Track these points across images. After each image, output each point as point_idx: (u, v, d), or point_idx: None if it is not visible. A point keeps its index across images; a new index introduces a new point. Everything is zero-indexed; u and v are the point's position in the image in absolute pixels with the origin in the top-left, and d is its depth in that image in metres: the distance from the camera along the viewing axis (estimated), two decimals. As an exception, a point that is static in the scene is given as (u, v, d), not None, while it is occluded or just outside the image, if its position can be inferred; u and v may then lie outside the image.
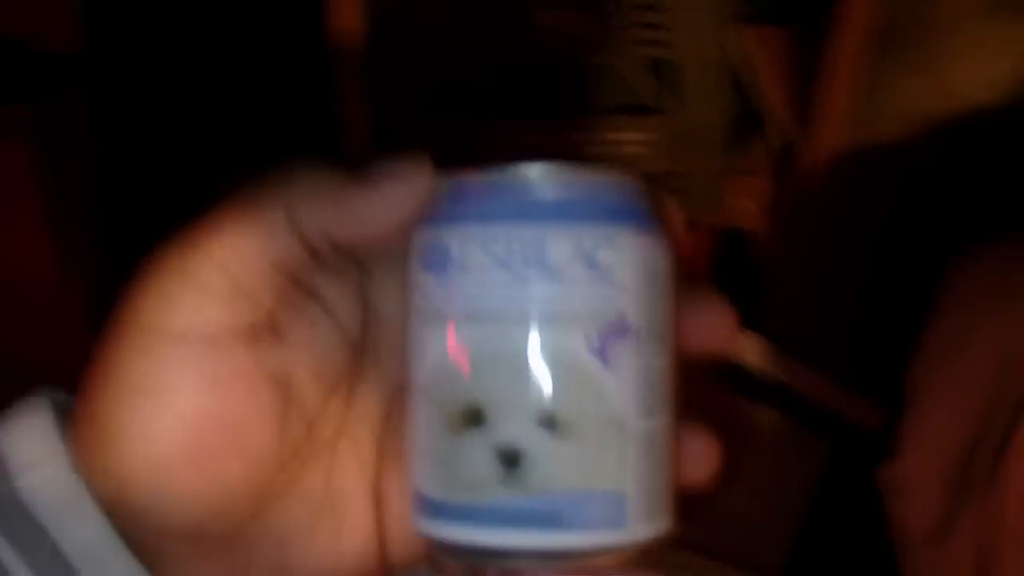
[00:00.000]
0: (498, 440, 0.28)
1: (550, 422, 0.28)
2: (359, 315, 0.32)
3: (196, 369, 0.29)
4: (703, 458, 0.31)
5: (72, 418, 0.30)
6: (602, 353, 0.28)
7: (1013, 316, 0.55)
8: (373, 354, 0.33)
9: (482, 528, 0.28)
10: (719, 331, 0.31)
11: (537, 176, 0.29)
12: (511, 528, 0.28)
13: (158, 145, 1.07)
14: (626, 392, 0.28)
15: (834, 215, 0.89)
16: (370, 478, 0.33)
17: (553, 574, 0.30)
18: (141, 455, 0.29)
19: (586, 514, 0.28)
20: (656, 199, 0.31)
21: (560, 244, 0.28)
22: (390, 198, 0.29)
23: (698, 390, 0.31)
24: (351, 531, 0.32)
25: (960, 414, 0.56)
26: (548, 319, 0.28)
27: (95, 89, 1.05)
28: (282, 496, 0.31)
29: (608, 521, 0.28)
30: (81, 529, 0.29)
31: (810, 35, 0.88)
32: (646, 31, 0.90)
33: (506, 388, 0.28)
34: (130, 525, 0.29)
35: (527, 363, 0.28)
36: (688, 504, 0.31)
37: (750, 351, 0.95)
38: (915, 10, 0.80)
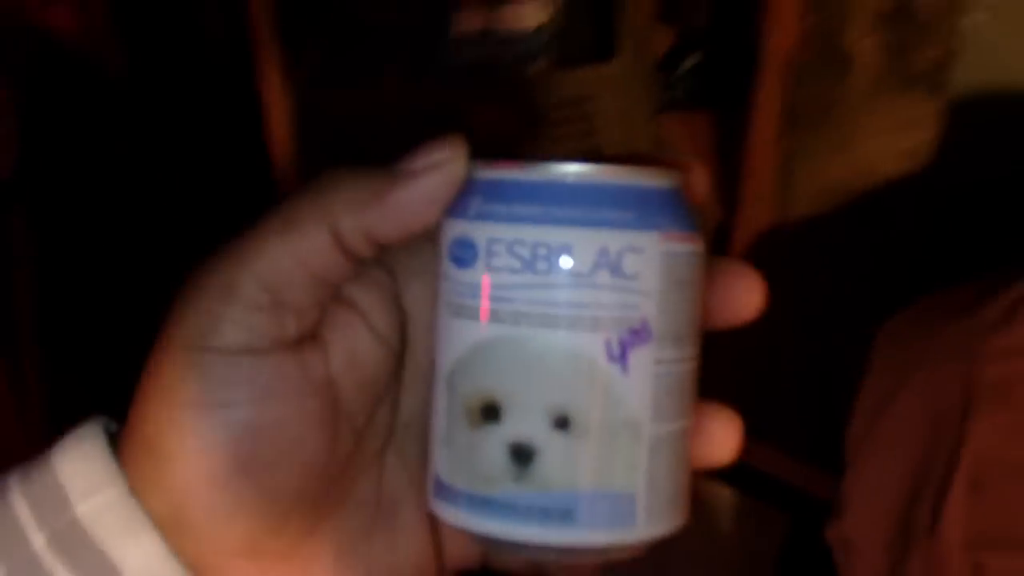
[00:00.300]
0: (512, 437, 0.28)
1: (563, 423, 0.28)
2: (397, 324, 0.32)
3: (246, 382, 0.29)
4: (725, 440, 0.31)
5: (121, 444, 0.30)
6: (621, 359, 0.28)
7: (936, 375, 0.58)
8: (412, 362, 0.33)
9: (494, 519, 0.29)
10: (748, 302, 0.31)
11: (567, 177, 0.28)
12: (521, 522, 0.28)
13: (98, 262, 1.08)
14: (642, 397, 0.28)
15: (768, 289, 0.92)
16: (420, 486, 0.33)
17: (565, 566, 0.30)
18: (198, 471, 0.29)
19: (595, 513, 0.28)
20: (692, 193, 0.31)
21: (586, 250, 0.28)
22: (432, 189, 0.29)
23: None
24: (406, 541, 0.32)
25: (895, 470, 0.58)
26: (569, 324, 0.28)
27: (33, 208, 1.07)
28: (335, 509, 0.31)
29: (618, 521, 0.29)
30: (140, 552, 0.29)
31: (731, 118, 0.92)
32: (578, 124, 0.94)
33: (523, 387, 0.28)
34: (188, 545, 0.29)
35: (545, 365, 0.28)
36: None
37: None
38: (830, 91, 0.84)
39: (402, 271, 0.32)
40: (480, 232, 0.29)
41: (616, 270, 0.28)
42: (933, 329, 0.60)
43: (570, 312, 0.28)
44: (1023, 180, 0.82)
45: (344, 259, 0.30)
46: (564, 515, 0.28)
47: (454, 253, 0.29)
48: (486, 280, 0.28)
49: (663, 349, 0.29)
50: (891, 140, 0.84)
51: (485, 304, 0.29)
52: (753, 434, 0.98)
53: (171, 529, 0.29)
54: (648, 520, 0.29)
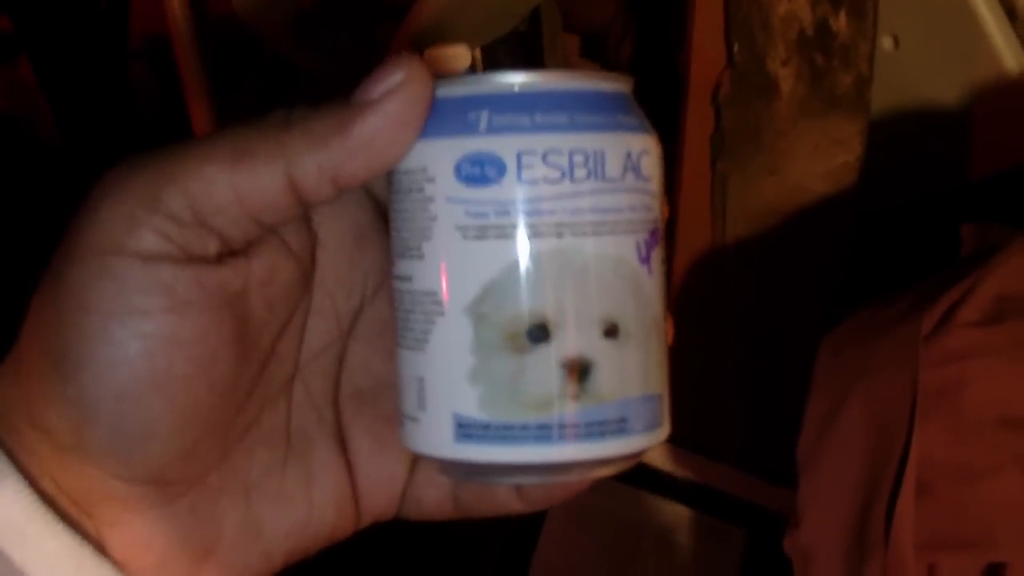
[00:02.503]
0: (566, 353, 0.27)
1: (613, 331, 0.28)
2: (308, 245, 0.30)
3: (164, 290, 0.27)
4: None
5: (10, 363, 0.28)
6: (647, 260, 0.28)
7: (877, 384, 0.60)
8: (320, 291, 0.31)
9: (551, 445, 0.27)
10: None
11: (580, 84, 0.28)
12: (583, 441, 0.28)
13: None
14: (660, 295, 0.29)
15: (708, 310, 0.94)
16: (331, 422, 0.31)
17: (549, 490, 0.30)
18: (108, 384, 0.26)
19: (644, 418, 0.28)
20: None
21: (615, 154, 0.28)
22: (400, 113, 0.27)
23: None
24: (320, 479, 0.31)
25: (847, 479, 0.59)
26: (611, 229, 0.28)
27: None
28: (243, 439, 0.29)
29: (654, 423, 0.29)
30: (3, 501, 0.26)
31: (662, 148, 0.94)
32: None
33: (574, 301, 0.27)
34: (87, 468, 0.27)
35: (593, 275, 0.27)
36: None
37: (652, 452, 0.98)
38: (758, 116, 0.86)
39: None
40: (504, 144, 0.27)
41: (638, 173, 0.28)
42: (873, 339, 0.62)
43: (609, 217, 0.28)
44: (941, 194, 0.85)
45: (295, 203, 0.28)
46: (619, 425, 0.28)
47: (465, 171, 0.28)
48: (520, 194, 0.27)
49: (664, 249, 0.30)
50: (818, 160, 0.87)
51: (520, 219, 0.27)
52: (706, 453, 0.99)
53: (68, 449, 0.27)
54: (666, 419, 0.30)
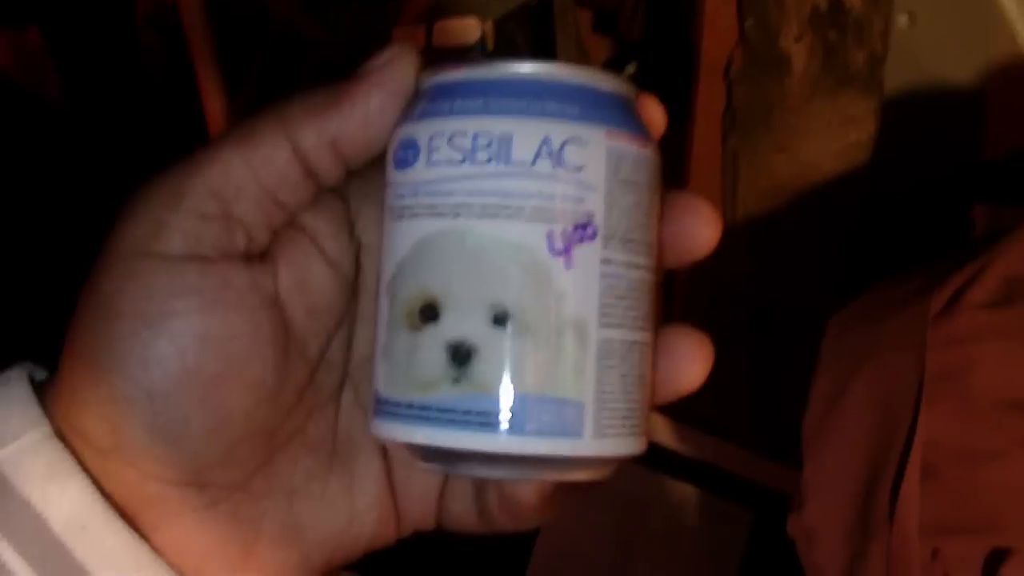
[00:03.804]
0: (450, 335, 0.27)
1: (503, 319, 0.27)
2: (349, 251, 0.31)
3: (192, 290, 0.27)
4: (693, 362, 0.30)
5: (59, 372, 0.28)
6: (565, 253, 0.27)
7: (885, 364, 0.59)
8: (367, 295, 0.31)
9: (430, 427, 0.27)
10: (701, 235, 0.30)
11: (511, 72, 0.28)
12: (459, 428, 0.27)
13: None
14: (588, 297, 0.27)
15: (717, 289, 0.93)
16: None
17: (508, 495, 0.29)
18: (139, 384, 0.27)
19: (537, 418, 0.27)
20: (645, 106, 0.30)
21: (526, 139, 0.27)
22: (390, 82, 0.28)
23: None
24: (363, 485, 0.31)
25: (852, 461, 0.59)
26: (510, 214, 0.27)
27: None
28: (289, 445, 0.29)
29: (561, 429, 0.27)
30: (66, 498, 0.27)
31: (672, 125, 0.93)
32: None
33: (461, 281, 0.27)
34: (128, 473, 0.27)
35: (484, 257, 0.27)
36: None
37: (659, 430, 0.98)
38: (769, 93, 0.85)
39: (356, 198, 0.31)
40: (422, 130, 0.28)
41: (559, 160, 0.27)
42: (880, 319, 0.61)
43: (510, 202, 0.27)
44: (954, 174, 0.84)
45: (303, 178, 0.28)
46: (504, 419, 0.26)
47: (397, 156, 0.29)
48: (425, 176, 0.28)
49: (611, 249, 0.27)
50: (831, 138, 0.86)
51: (425, 200, 0.28)
52: (713, 432, 0.99)
53: (109, 452, 0.27)
54: (597, 434, 0.27)
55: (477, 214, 0.27)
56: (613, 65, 1.06)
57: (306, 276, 0.30)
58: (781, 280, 0.92)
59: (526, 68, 0.28)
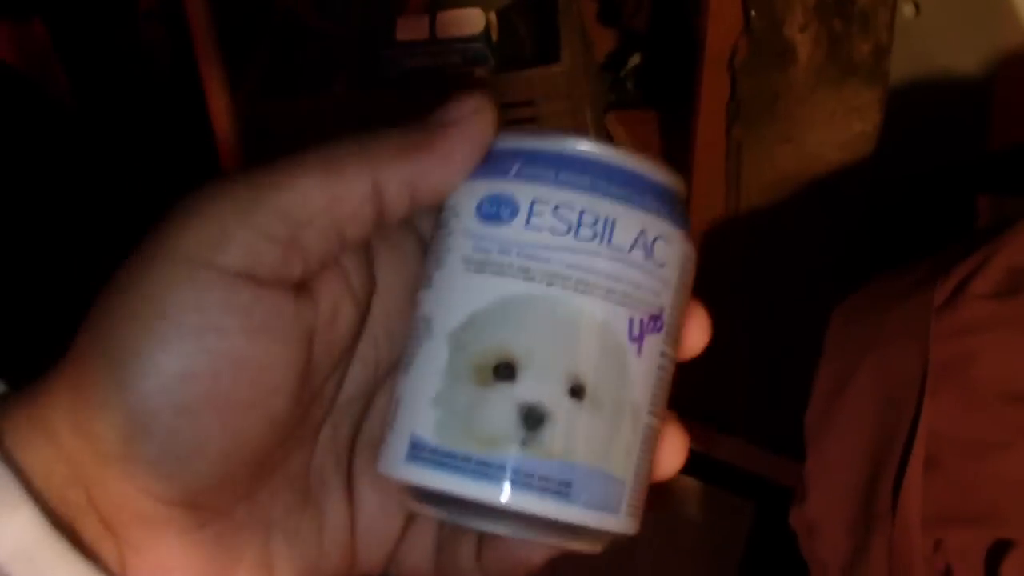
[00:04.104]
0: (525, 398, 0.27)
1: (579, 391, 0.28)
2: (368, 290, 0.31)
3: (243, 311, 0.27)
4: (676, 452, 0.31)
5: (61, 366, 0.27)
6: (639, 340, 0.28)
7: (888, 355, 0.59)
8: (368, 335, 0.32)
9: (487, 483, 0.27)
10: (695, 340, 0.31)
11: (615, 159, 0.29)
12: (518, 489, 0.27)
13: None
14: (647, 383, 0.29)
15: (720, 280, 0.93)
16: (344, 471, 0.31)
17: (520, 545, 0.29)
18: (170, 396, 0.26)
19: (592, 492, 0.28)
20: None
21: (628, 226, 0.28)
22: (475, 134, 0.29)
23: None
24: (331, 525, 0.31)
25: (855, 452, 0.59)
26: (604, 294, 0.28)
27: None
28: (272, 477, 0.29)
29: (607, 505, 0.28)
30: (12, 529, 0.26)
31: (677, 115, 0.93)
32: (525, 126, 0.94)
33: (545, 347, 0.28)
34: (126, 486, 0.27)
35: (572, 329, 0.28)
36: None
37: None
38: (774, 83, 0.85)
39: (375, 239, 0.31)
40: (523, 191, 0.29)
41: (649, 253, 0.29)
42: (884, 310, 0.61)
43: (605, 283, 0.28)
44: (959, 164, 0.84)
45: (374, 214, 0.29)
46: (562, 487, 0.27)
47: (484, 209, 0.29)
48: (524, 238, 0.28)
49: (668, 343, 0.29)
50: (835, 129, 0.86)
51: (518, 261, 0.28)
52: (715, 425, 0.99)
53: (112, 462, 0.26)
54: (629, 512, 0.29)
55: (572, 287, 0.28)
56: (618, 56, 1.06)
57: (337, 313, 0.30)
58: (784, 270, 0.91)
59: (629, 160, 0.29)
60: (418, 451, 0.28)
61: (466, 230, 0.29)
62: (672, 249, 0.29)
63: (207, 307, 0.26)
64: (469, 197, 0.29)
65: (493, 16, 0.95)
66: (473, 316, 0.28)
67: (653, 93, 1.03)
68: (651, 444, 0.29)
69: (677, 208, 0.30)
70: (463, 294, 0.29)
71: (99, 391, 0.26)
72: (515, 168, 0.29)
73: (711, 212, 0.91)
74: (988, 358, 0.56)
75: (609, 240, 0.28)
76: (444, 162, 0.29)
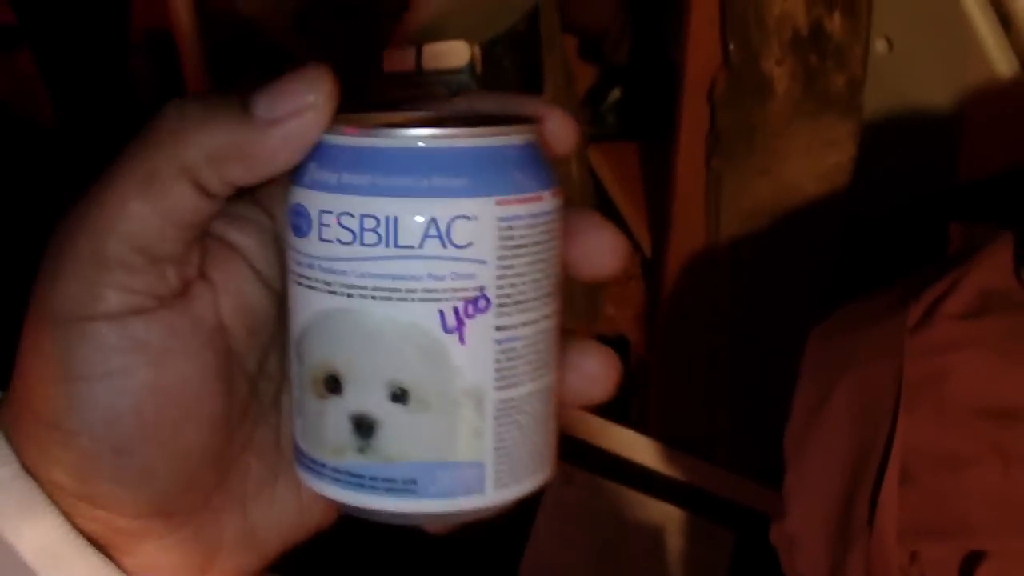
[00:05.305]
0: (353, 409, 0.28)
1: (402, 396, 0.28)
2: (278, 265, 0.31)
3: (140, 345, 0.28)
4: (601, 377, 0.31)
5: (9, 420, 0.29)
6: (457, 330, 0.27)
7: (864, 374, 0.60)
8: None
9: (343, 488, 0.29)
10: (609, 258, 0.30)
11: (397, 143, 0.27)
12: (368, 492, 0.28)
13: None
14: (484, 366, 0.28)
15: (700, 309, 0.94)
16: None
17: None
18: (103, 443, 0.28)
19: (441, 483, 0.28)
20: (552, 142, 0.29)
21: (413, 221, 0.27)
22: (294, 138, 0.27)
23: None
24: None
25: (833, 467, 0.60)
26: (401, 296, 0.27)
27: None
28: (240, 457, 0.31)
29: (464, 489, 0.28)
30: (37, 531, 0.28)
31: (657, 147, 0.95)
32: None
33: (360, 360, 0.28)
34: (98, 514, 0.28)
35: (380, 338, 0.27)
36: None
37: (643, 452, 0.98)
38: (751, 116, 0.87)
39: (280, 211, 0.31)
40: (312, 201, 0.28)
41: (447, 240, 0.27)
42: (860, 330, 0.63)
43: (401, 285, 0.27)
44: (931, 195, 0.86)
45: (208, 202, 0.28)
46: (408, 485, 0.28)
47: (292, 221, 0.29)
48: (319, 251, 0.28)
49: (505, 316, 0.28)
50: (812, 160, 0.87)
51: (320, 275, 0.28)
52: (696, 453, 0.99)
53: (78, 499, 0.28)
54: (498, 486, 0.29)
55: (370, 296, 0.27)
56: (599, 90, 1.08)
57: (243, 298, 0.30)
58: (764, 300, 0.93)
59: (414, 137, 0.27)
60: (300, 456, 0.30)
61: (288, 241, 0.29)
62: (478, 224, 0.27)
63: (107, 354, 0.28)
64: (287, 204, 0.29)
65: (478, 49, 0.97)
66: (304, 330, 0.29)
67: (633, 125, 1.05)
68: (521, 411, 0.29)
69: (488, 172, 0.27)
70: (294, 306, 0.29)
71: (45, 450, 0.28)
72: (308, 174, 0.28)
73: (692, 241, 0.92)
74: (960, 376, 0.57)
75: (395, 241, 0.27)
76: (257, 164, 0.28)
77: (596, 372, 0.31)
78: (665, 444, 0.97)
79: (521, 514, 0.93)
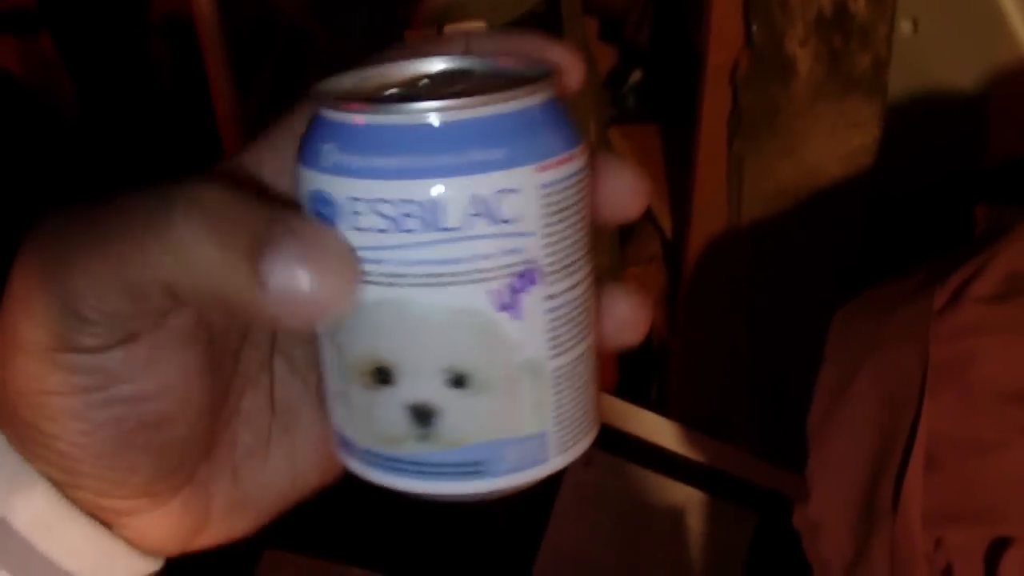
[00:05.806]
0: (409, 398, 0.27)
1: (460, 380, 0.26)
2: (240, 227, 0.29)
3: (124, 366, 0.27)
4: (632, 321, 0.30)
5: None
6: (511, 306, 0.26)
7: (890, 357, 0.60)
8: None
9: (404, 477, 0.27)
10: (631, 201, 0.29)
11: (428, 118, 0.25)
12: (433, 479, 0.27)
13: None
14: (539, 337, 0.27)
15: (722, 291, 0.94)
16: (315, 389, 0.32)
17: None
18: (85, 449, 0.28)
19: (508, 461, 0.27)
20: (566, 86, 0.28)
21: (457, 202, 0.25)
22: (288, 309, 0.25)
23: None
24: (304, 448, 0.32)
25: (856, 452, 0.60)
26: (449, 281, 0.25)
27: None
28: (227, 428, 0.30)
29: (530, 462, 0.28)
30: (32, 504, 0.28)
31: (678, 129, 0.94)
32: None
33: (410, 350, 0.26)
34: (86, 496, 0.29)
35: (430, 326, 0.26)
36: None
37: (664, 434, 0.98)
38: (774, 97, 0.86)
39: (270, 175, 0.29)
40: (338, 188, 0.26)
41: (494, 217, 0.25)
42: (885, 313, 0.62)
43: (447, 269, 0.25)
44: (957, 177, 0.85)
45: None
46: (475, 467, 0.27)
47: (316, 208, 0.26)
48: (353, 240, 0.26)
49: (554, 284, 0.27)
50: (835, 142, 0.87)
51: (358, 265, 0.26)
52: (718, 435, 0.99)
53: (64, 486, 0.28)
54: (560, 451, 0.28)
55: (413, 283, 0.26)
56: (620, 71, 1.08)
57: None
58: (786, 284, 0.92)
59: (444, 109, 0.25)
60: (343, 443, 0.29)
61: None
62: (521, 195, 0.25)
63: (83, 378, 0.27)
64: (304, 189, 0.27)
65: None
66: (343, 320, 0.27)
67: (655, 107, 1.04)
68: (573, 374, 0.28)
69: (526, 136, 0.26)
70: None
71: (30, 446, 0.28)
72: (328, 156, 0.26)
73: (714, 224, 0.92)
74: (987, 359, 0.57)
75: (438, 225, 0.25)
76: (246, 319, 0.28)
77: (628, 316, 0.30)
78: (686, 426, 0.97)
79: (542, 496, 0.93)
